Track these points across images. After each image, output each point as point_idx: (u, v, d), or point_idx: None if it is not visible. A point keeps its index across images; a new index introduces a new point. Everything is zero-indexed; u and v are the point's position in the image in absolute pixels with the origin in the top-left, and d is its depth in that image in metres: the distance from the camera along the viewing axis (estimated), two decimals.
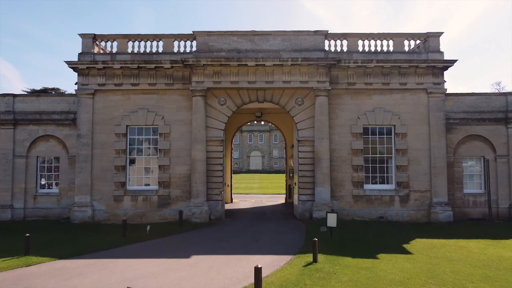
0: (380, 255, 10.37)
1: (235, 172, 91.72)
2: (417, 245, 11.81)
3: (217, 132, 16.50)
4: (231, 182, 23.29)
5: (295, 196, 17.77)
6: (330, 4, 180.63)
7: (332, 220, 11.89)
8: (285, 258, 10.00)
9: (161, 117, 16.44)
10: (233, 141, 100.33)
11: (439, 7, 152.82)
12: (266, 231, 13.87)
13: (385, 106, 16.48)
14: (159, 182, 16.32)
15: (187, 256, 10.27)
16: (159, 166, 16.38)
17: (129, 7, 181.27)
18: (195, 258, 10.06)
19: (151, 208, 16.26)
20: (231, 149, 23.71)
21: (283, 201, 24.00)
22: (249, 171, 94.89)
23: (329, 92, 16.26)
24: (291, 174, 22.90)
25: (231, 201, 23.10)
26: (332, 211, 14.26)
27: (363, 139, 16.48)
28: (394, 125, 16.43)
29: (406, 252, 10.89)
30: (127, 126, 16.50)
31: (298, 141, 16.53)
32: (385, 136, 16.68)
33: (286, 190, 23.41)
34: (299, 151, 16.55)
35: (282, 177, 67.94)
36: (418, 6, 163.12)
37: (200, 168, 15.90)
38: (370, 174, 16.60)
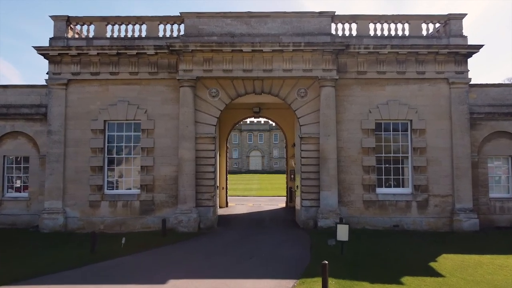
0: (405, 279, 8.29)
1: (234, 172, 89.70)
2: (446, 263, 9.72)
3: (208, 128, 14.42)
4: (226, 185, 21.22)
5: (297, 201, 15.69)
6: (330, 4, 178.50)
7: (343, 233, 9.81)
8: (286, 284, 7.91)
9: (144, 110, 14.36)
10: (232, 140, 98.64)
11: (439, 7, 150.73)
12: (264, 243, 11.79)
13: (400, 99, 14.39)
14: (141, 185, 14.24)
15: (163, 280, 8.18)
16: (141, 167, 14.30)
17: (130, 7, 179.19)
18: (172, 284, 7.98)
19: (132, 215, 14.18)
20: (227, 148, 21.63)
21: (284, 205, 21.91)
22: (249, 171, 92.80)
23: (337, 82, 14.18)
24: (292, 176, 20.80)
25: (226, 205, 21.02)
26: (342, 221, 12.19)
27: (375, 136, 14.39)
28: (411, 120, 14.34)
29: (435, 273, 8.80)
30: (105, 121, 14.41)
31: (301, 138, 14.45)
32: (400, 132, 14.59)
33: (287, 193, 21.33)
34: (302, 150, 14.47)
35: (282, 178, 65.65)
36: (418, 6, 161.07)
37: (188, 169, 13.82)
38: (383, 176, 14.51)
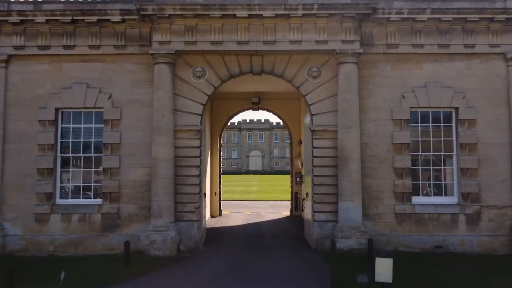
0: None
1: (234, 173, 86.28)
2: None
3: (192, 119, 11.05)
4: (219, 189, 17.83)
5: (307, 211, 12.33)
6: None
7: (384, 271, 6.42)
8: None
9: (108, 95, 10.99)
10: (232, 139, 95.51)
11: None
12: (264, 278, 8.40)
13: (442, 80, 11.01)
14: (103, 193, 10.87)
15: None
16: (103, 169, 10.92)
17: None
18: None
19: (92, 232, 10.80)
20: (220, 145, 18.25)
21: (288, 213, 18.53)
22: (248, 172, 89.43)
23: (360, 59, 10.81)
24: (298, 179, 17.42)
25: (219, 214, 17.64)
26: (371, 244, 8.85)
27: (410, 128, 11.03)
28: (457, 108, 10.96)
29: None
30: (57, 109, 11.04)
31: (313, 131, 11.07)
32: (442, 124, 11.21)
33: (292, 199, 17.93)
34: (314, 147, 11.09)
35: (283, 179, 62.45)
36: None
37: (164, 172, 10.45)
38: (420, 182, 11.13)
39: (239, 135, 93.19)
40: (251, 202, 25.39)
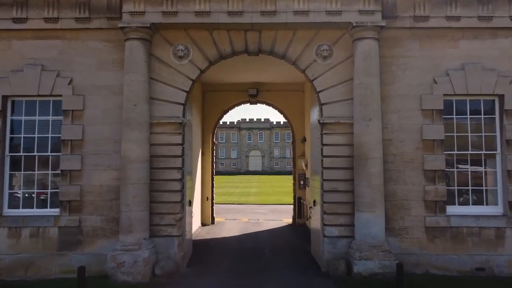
0: None
1: (233, 173, 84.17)
2: None
3: (172, 109, 8.90)
4: (212, 194, 15.69)
5: (315, 223, 10.15)
6: None
7: None
8: None
9: (68, 80, 8.84)
10: (231, 139, 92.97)
11: None
12: None
13: (483, 61, 8.87)
14: (61, 202, 8.71)
15: None
16: (61, 172, 8.77)
17: None
18: None
19: (46, 250, 8.65)
20: (213, 144, 16.10)
21: (290, 220, 16.40)
22: (248, 172, 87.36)
23: (380, 35, 8.68)
24: (301, 182, 15.32)
25: (212, 222, 15.50)
26: (402, 269, 6.72)
27: (444, 121, 8.88)
28: (502, 96, 8.81)
29: None
30: (5, 97, 8.89)
31: (323, 124, 8.93)
32: (482, 116, 9.08)
33: (295, 205, 15.77)
34: (323, 145, 8.94)
35: (284, 180, 60.17)
36: None
37: (136, 175, 8.31)
38: (456, 187, 9.00)
39: (238, 135, 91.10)
40: (249, 206, 23.26)
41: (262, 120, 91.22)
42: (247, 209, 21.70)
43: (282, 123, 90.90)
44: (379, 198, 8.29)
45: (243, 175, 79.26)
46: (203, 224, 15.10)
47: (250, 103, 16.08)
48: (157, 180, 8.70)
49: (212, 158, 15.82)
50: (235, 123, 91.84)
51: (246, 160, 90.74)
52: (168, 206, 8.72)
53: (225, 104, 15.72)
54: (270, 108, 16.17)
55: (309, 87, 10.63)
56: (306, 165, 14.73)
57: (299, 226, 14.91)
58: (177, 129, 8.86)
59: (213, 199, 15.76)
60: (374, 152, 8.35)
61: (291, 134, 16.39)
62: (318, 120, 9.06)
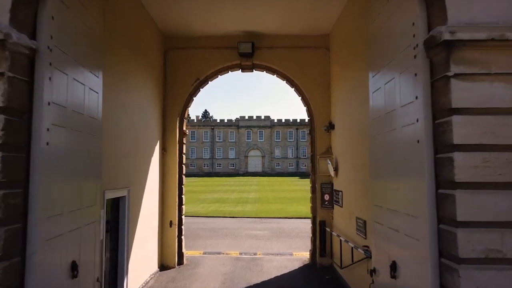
0: None
1: (231, 175, 78.09)
2: None
3: None
4: (179, 215, 9.59)
5: (382, 276, 4.08)
6: None
7: None
8: None
9: None
10: (229, 138, 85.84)
11: None
12: None
13: None
14: None
15: None
16: None
17: None
18: None
19: None
20: (183, 134, 9.98)
21: (305, 254, 10.42)
22: (247, 174, 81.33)
23: None
24: (326, 196, 9.26)
25: (179, 263, 9.42)
26: None
27: None
28: None
29: None
30: None
31: (450, 48, 2.89)
32: None
33: (316, 234, 9.64)
34: (450, 110, 2.92)
35: (285, 182, 53.64)
36: None
37: None
38: None
39: (236, 133, 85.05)
40: (245, 223, 17.26)
41: (262, 117, 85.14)
42: (241, 228, 15.69)
43: (283, 120, 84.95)
44: None
45: (241, 177, 73.31)
46: (164, 267, 9.09)
47: (242, 70, 10.05)
48: None
49: (181, 158, 9.75)
50: (233, 120, 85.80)
51: (245, 160, 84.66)
52: None
53: (201, 70, 9.69)
54: (274, 77, 10.11)
55: (338, 39, 4.73)
56: (335, 169, 8.73)
57: (322, 270, 8.92)
58: None
59: (182, 223, 9.69)
60: None
61: (308, 120, 10.36)
62: (434, 38, 3.00)
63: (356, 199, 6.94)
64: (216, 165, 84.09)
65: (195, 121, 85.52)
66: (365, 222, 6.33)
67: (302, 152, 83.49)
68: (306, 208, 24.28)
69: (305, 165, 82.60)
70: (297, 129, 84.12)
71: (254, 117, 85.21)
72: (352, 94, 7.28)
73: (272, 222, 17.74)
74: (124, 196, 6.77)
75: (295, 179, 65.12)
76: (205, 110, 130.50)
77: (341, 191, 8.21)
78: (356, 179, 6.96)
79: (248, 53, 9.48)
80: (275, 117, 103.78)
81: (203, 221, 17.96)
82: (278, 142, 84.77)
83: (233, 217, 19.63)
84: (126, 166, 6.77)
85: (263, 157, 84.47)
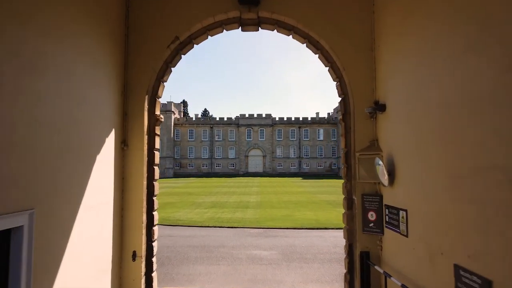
0: None
1: (231, 175, 74.73)
2: None
3: None
4: (148, 241, 6.37)
5: None
6: None
7: None
8: None
9: None
10: (228, 137, 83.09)
11: None
12: None
13: None
14: None
15: None
16: None
17: None
18: None
19: None
20: (156, 120, 6.75)
21: None
22: (247, 174, 78.04)
23: None
24: (372, 213, 6.03)
25: None
26: None
27: None
28: None
29: None
30: None
31: None
32: None
33: (352, 271, 6.46)
34: None
35: (287, 183, 49.93)
36: None
37: None
38: None
39: (236, 132, 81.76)
40: (246, 237, 14.04)
41: (263, 115, 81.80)
42: (241, 246, 12.48)
43: (285, 119, 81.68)
44: None
45: (242, 177, 70.01)
46: None
47: (243, 26, 6.83)
48: None
49: (151, 156, 6.57)
50: (233, 118, 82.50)
51: (246, 160, 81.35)
52: None
53: (182, 25, 6.49)
54: (289, 38, 6.89)
55: None
56: (391, 174, 5.50)
57: None
58: None
59: (152, 253, 6.49)
60: None
61: (340, 100, 7.24)
62: None
63: (456, 232, 3.73)
64: (215, 165, 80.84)
65: (193, 119, 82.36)
66: (487, 282, 3.14)
67: (304, 151, 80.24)
68: (315, 214, 21.07)
69: (308, 165, 79.36)
70: (299, 127, 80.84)
71: (255, 115, 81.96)
72: (446, 45, 4.06)
73: (278, 235, 14.54)
74: (20, 227, 3.58)
75: (298, 179, 61.87)
76: (205, 109, 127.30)
77: (406, 210, 5.00)
78: (455, 196, 3.75)
79: (252, 2, 6.31)
80: (276, 115, 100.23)
81: (195, 234, 14.77)
82: (280, 141, 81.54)
83: (232, 227, 16.44)
84: (26, 171, 3.58)
85: (264, 156, 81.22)
